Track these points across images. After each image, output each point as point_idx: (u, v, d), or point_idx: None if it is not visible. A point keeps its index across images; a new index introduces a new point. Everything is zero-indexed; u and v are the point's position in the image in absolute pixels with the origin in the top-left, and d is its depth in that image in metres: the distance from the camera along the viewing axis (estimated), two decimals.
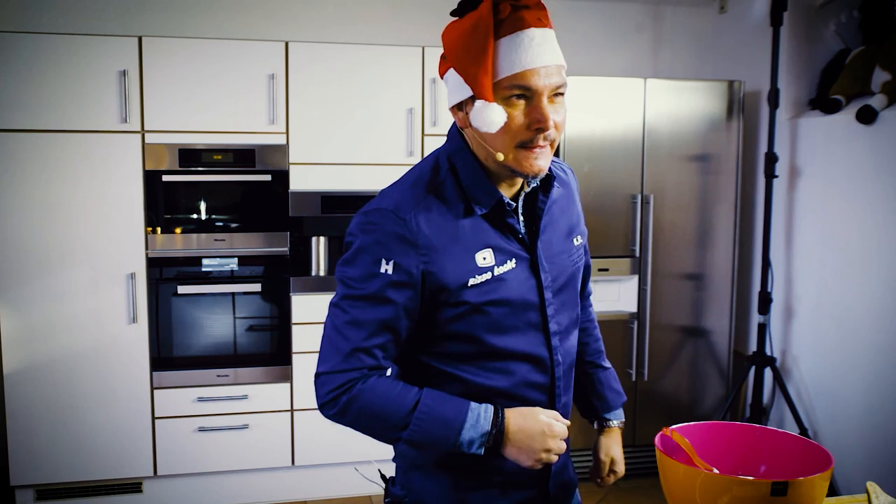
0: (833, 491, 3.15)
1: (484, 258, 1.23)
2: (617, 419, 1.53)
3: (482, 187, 1.24)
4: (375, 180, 3.30)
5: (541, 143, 1.18)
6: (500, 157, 1.18)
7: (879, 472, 3.00)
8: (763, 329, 3.41)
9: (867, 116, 3.01)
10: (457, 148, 1.27)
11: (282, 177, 3.21)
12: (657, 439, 1.23)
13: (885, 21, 3.34)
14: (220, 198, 3.22)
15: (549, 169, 1.30)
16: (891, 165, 2.96)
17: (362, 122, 3.27)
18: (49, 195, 3.03)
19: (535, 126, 1.16)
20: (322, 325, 1.28)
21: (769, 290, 3.42)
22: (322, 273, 3.34)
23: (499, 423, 1.19)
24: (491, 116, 1.14)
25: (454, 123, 1.29)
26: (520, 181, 1.28)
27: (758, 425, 1.32)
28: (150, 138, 3.09)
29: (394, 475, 1.43)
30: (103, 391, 3.12)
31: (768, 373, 3.47)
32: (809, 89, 3.56)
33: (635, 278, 3.52)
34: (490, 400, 1.25)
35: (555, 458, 1.22)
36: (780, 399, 3.49)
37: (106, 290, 3.09)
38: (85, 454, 3.13)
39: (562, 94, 1.18)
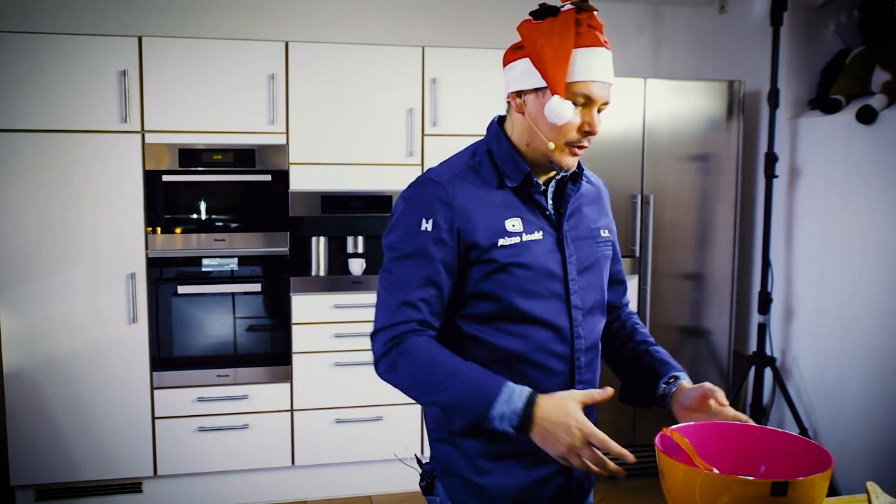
0: (833, 491, 3.15)
1: (513, 225, 1.36)
2: (686, 378, 1.44)
3: (513, 163, 1.39)
4: (375, 180, 3.30)
5: (584, 143, 1.36)
6: (551, 145, 1.34)
7: (879, 472, 3.00)
8: (763, 329, 3.41)
9: (867, 116, 3.01)
10: (496, 139, 1.42)
11: (282, 177, 3.21)
12: (657, 439, 1.23)
13: (885, 21, 3.34)
14: (219, 198, 3.22)
15: (579, 165, 1.46)
16: (891, 165, 2.96)
17: (362, 122, 3.27)
18: (49, 195, 3.03)
19: (586, 129, 1.34)
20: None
21: (769, 290, 3.42)
22: (322, 273, 3.34)
23: (529, 405, 1.23)
24: (563, 111, 1.30)
25: (494, 120, 1.45)
26: (549, 173, 1.43)
27: (757, 425, 1.32)
28: (150, 138, 3.09)
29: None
30: (103, 391, 3.12)
31: (768, 373, 3.47)
32: (809, 89, 3.56)
33: (635, 278, 3.52)
34: (510, 363, 1.35)
35: (578, 464, 1.21)
36: (780, 399, 3.49)
37: (106, 290, 3.09)
38: (85, 454, 3.13)
39: (606, 107, 1.37)
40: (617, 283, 1.59)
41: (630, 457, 1.17)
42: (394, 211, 1.40)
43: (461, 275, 1.36)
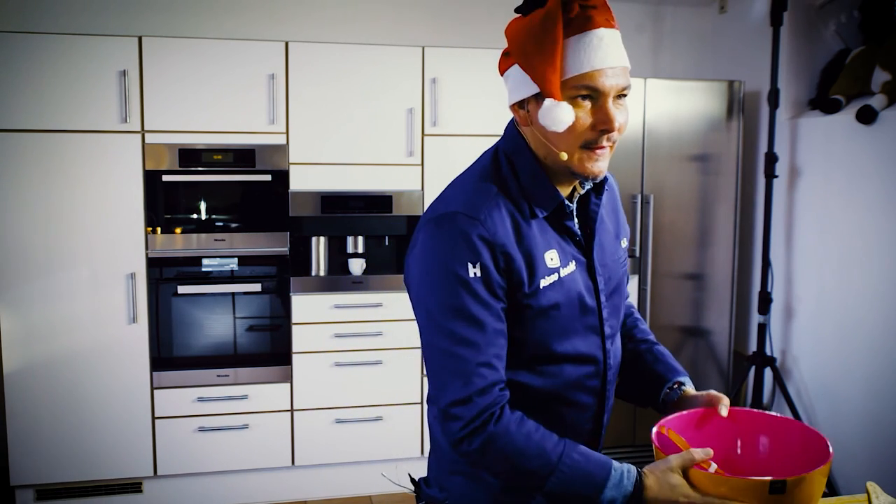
0: (833, 491, 3.15)
1: (551, 259, 1.21)
2: (690, 384, 1.41)
3: (543, 189, 1.21)
4: (375, 180, 3.30)
5: (604, 143, 1.16)
6: (564, 156, 1.17)
7: (879, 472, 3.00)
8: (763, 329, 3.41)
9: (867, 116, 3.01)
10: (516, 147, 1.24)
11: (282, 177, 3.21)
12: (654, 436, 1.22)
13: (885, 21, 3.34)
14: (220, 198, 3.22)
15: None
16: (891, 165, 2.96)
17: (362, 122, 3.27)
18: (49, 195, 3.03)
19: (601, 127, 1.14)
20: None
21: (769, 290, 3.42)
22: (322, 273, 3.34)
23: (638, 487, 1.15)
24: (560, 115, 1.12)
25: (511, 121, 1.27)
26: (574, 183, 1.27)
27: (753, 409, 1.30)
28: (150, 138, 3.09)
29: (424, 476, 1.41)
30: (103, 391, 3.12)
31: (768, 373, 3.47)
32: (809, 89, 3.56)
33: (635, 278, 3.52)
34: (543, 403, 1.25)
35: None
36: (781, 399, 3.49)
37: (106, 291, 3.09)
38: (85, 454, 3.13)
39: (625, 95, 1.17)
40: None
41: None
42: (421, 245, 1.19)
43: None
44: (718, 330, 3.67)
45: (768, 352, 3.42)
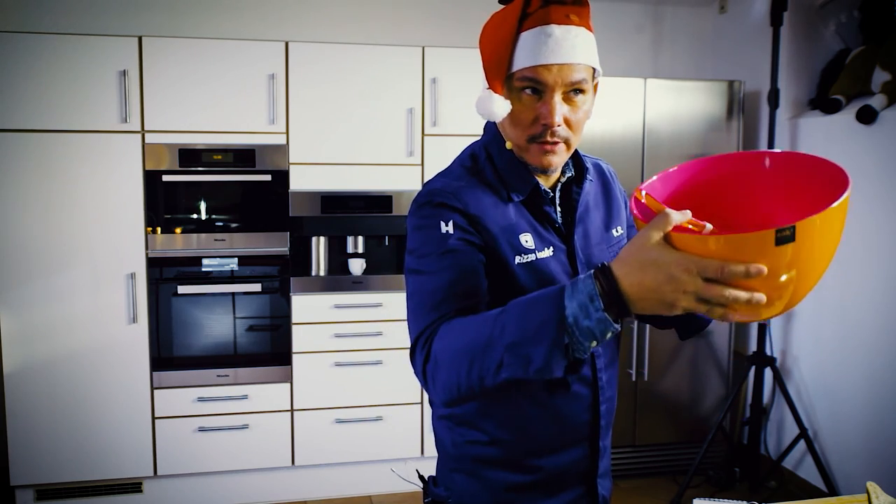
0: (833, 491, 3.15)
1: (526, 241, 1.22)
2: None
3: (518, 174, 1.24)
4: (375, 180, 3.30)
5: (549, 138, 1.16)
6: (509, 145, 1.21)
7: (879, 472, 3.00)
8: (763, 329, 3.41)
9: (867, 116, 3.01)
10: (493, 138, 1.27)
11: (282, 177, 3.21)
12: (634, 208, 1.01)
13: (885, 21, 3.34)
14: (220, 198, 3.22)
15: (583, 162, 1.31)
16: (891, 165, 2.96)
17: (362, 123, 3.27)
18: (49, 195, 3.03)
19: (542, 121, 1.15)
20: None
21: None
22: (322, 273, 3.34)
23: (604, 279, 0.95)
24: (491, 107, 1.15)
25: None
26: (555, 173, 1.28)
27: (746, 151, 1.11)
28: (150, 138, 3.09)
29: (433, 475, 1.41)
30: (103, 391, 3.12)
31: (768, 373, 3.47)
32: (809, 89, 3.56)
33: None
34: (531, 392, 1.22)
35: (709, 308, 0.91)
36: (780, 399, 3.49)
37: (106, 290, 3.09)
38: (85, 454, 3.13)
39: (580, 91, 1.16)
40: None
41: (763, 268, 0.87)
42: (408, 225, 1.25)
43: None
44: (718, 330, 3.67)
45: (768, 352, 3.42)
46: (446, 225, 1.17)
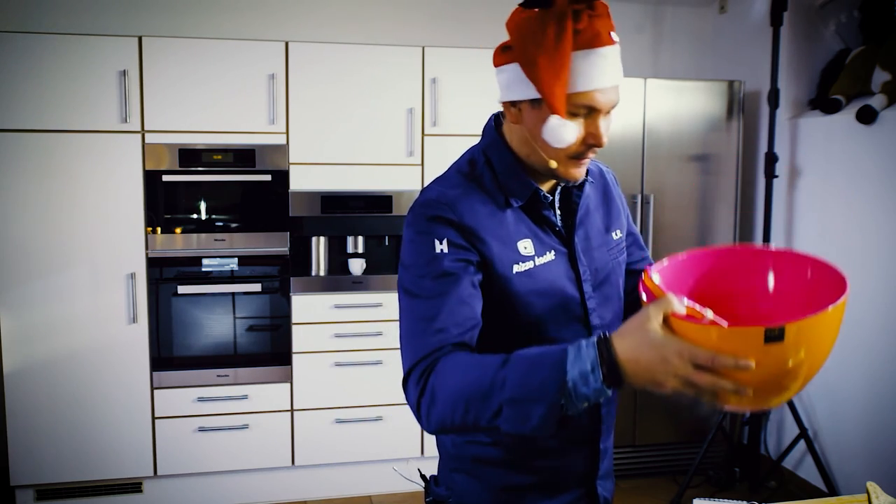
0: (833, 491, 3.15)
1: (525, 248, 1.22)
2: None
3: (517, 179, 1.24)
4: (375, 180, 3.30)
5: (589, 155, 1.20)
6: (553, 164, 1.19)
7: (879, 472, 3.00)
8: None
9: (867, 116, 3.01)
10: (491, 141, 1.27)
11: (282, 177, 3.21)
12: (642, 293, 1.07)
13: (885, 21, 3.34)
14: (220, 198, 3.22)
15: None
16: (891, 165, 2.96)
17: (362, 123, 3.27)
18: (49, 195, 3.03)
19: (591, 141, 1.17)
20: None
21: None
22: (322, 273, 3.34)
23: (607, 349, 0.99)
24: (565, 134, 1.14)
25: (490, 119, 1.30)
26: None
27: (756, 246, 1.16)
28: (150, 138, 3.09)
29: (435, 474, 1.41)
30: (103, 391, 3.12)
31: None
32: (809, 89, 3.56)
33: None
34: None
35: (698, 392, 0.97)
36: None
37: (106, 290, 3.09)
38: (85, 454, 3.13)
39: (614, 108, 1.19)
40: (638, 247, 1.47)
41: (750, 363, 0.91)
42: (403, 241, 1.24)
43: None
44: None
45: None
46: (440, 243, 1.17)
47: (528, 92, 1.15)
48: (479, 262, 1.19)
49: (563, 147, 1.15)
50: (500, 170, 1.24)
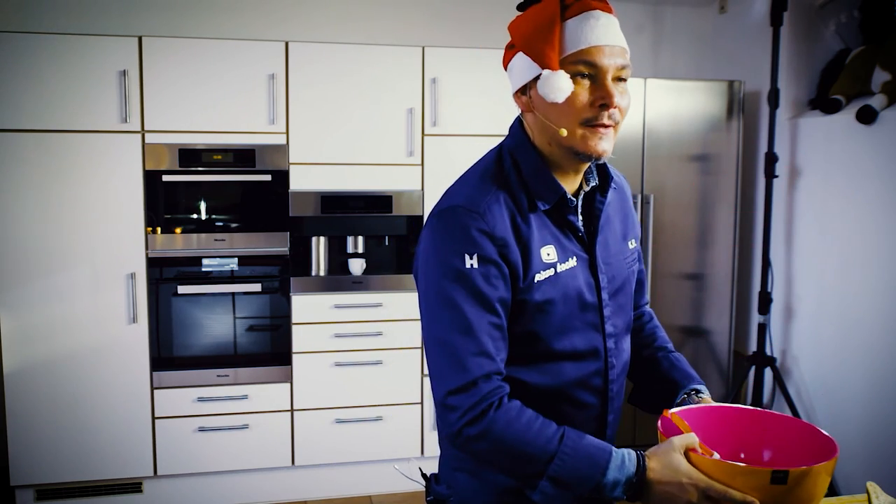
0: (833, 491, 3.15)
1: (548, 254, 1.22)
2: (707, 392, 1.38)
3: (545, 182, 1.23)
4: (375, 180, 3.30)
5: (605, 121, 1.17)
6: (564, 132, 1.17)
7: (880, 471, 3.00)
8: (763, 329, 3.41)
9: (867, 116, 3.01)
10: (518, 142, 1.26)
11: (282, 177, 3.21)
12: (659, 422, 1.21)
13: (885, 21, 3.34)
14: (220, 198, 3.22)
15: (608, 170, 1.31)
16: (891, 165, 2.96)
17: (362, 122, 3.27)
18: (49, 195, 3.03)
19: (600, 102, 1.15)
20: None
21: (769, 290, 3.42)
22: (322, 273, 3.34)
23: (640, 469, 1.12)
24: (557, 83, 1.14)
25: (516, 119, 1.29)
26: (579, 179, 1.28)
27: (762, 409, 1.28)
28: (150, 138, 3.09)
29: (436, 473, 1.41)
30: (103, 391, 3.12)
31: (768, 373, 3.47)
32: (809, 89, 3.56)
33: None
34: (543, 401, 1.23)
35: None
36: (780, 399, 3.49)
37: (106, 290, 3.09)
38: (85, 454, 3.13)
39: (624, 79, 1.18)
40: (638, 283, 1.47)
41: (755, 502, 1.06)
42: (423, 241, 1.22)
43: None
44: (718, 330, 3.67)
45: (768, 352, 3.42)
46: (470, 258, 1.16)
47: (531, 71, 1.18)
48: (508, 274, 1.18)
49: (563, 100, 1.15)
50: (526, 171, 1.23)
